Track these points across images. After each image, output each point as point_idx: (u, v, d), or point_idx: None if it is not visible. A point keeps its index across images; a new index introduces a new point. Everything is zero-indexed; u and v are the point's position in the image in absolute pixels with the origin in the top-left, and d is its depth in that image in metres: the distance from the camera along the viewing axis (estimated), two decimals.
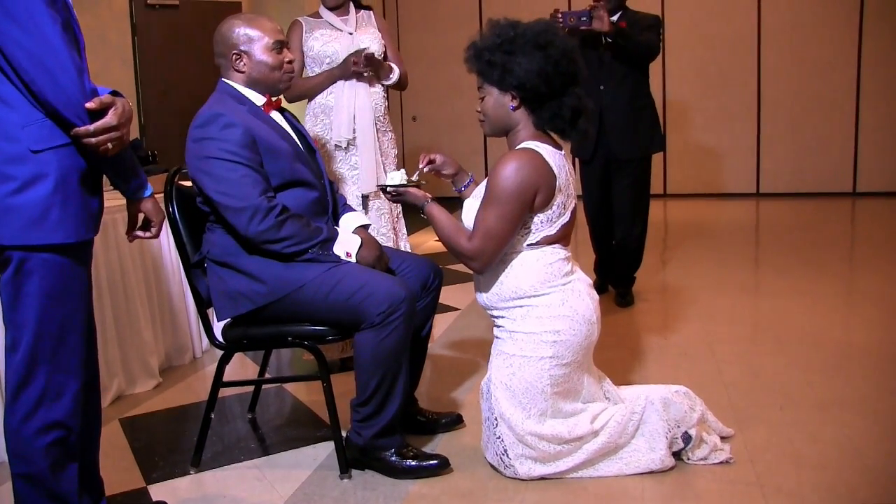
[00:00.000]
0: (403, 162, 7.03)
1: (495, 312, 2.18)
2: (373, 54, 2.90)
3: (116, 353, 2.87)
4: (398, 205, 2.93)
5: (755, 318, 3.68)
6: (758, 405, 2.55)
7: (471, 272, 2.20)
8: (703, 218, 6.54)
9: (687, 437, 2.12)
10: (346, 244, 2.19)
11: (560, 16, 3.46)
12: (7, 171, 1.51)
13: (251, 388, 2.79)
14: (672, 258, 5.03)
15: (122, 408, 2.80)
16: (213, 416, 2.31)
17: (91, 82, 1.55)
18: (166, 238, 3.08)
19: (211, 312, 2.29)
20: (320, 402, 2.43)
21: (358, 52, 2.88)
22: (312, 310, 2.13)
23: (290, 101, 2.91)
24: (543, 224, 2.10)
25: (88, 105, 1.51)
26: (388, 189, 2.23)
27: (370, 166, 2.96)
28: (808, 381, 2.75)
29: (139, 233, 1.84)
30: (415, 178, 2.24)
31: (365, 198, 3.00)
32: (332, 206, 2.33)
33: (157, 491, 2.17)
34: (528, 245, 2.11)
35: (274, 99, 2.28)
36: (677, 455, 2.14)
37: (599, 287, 3.97)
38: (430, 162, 2.32)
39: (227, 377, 2.32)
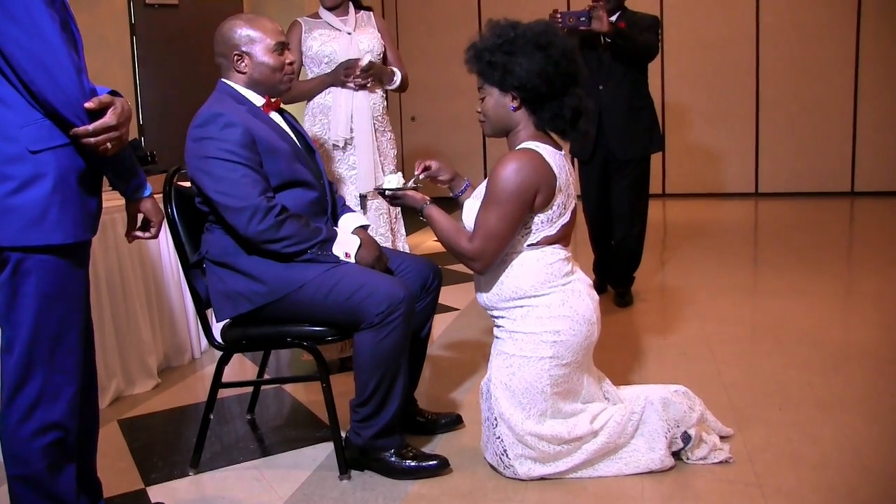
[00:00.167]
0: (402, 162, 7.03)
1: (495, 312, 2.18)
2: (370, 64, 2.88)
3: (115, 354, 2.86)
4: None
5: (754, 318, 3.68)
6: (757, 405, 2.55)
7: (470, 272, 2.20)
8: (702, 218, 6.54)
9: (686, 437, 2.13)
10: (346, 245, 2.19)
11: (559, 16, 3.46)
12: (5, 172, 1.51)
13: (250, 389, 2.78)
14: (671, 258, 5.04)
15: (121, 409, 2.80)
16: (211, 416, 2.31)
17: (90, 82, 1.55)
18: (165, 238, 3.08)
19: (210, 313, 2.29)
20: (319, 402, 2.43)
21: (349, 65, 2.86)
22: (312, 310, 2.13)
23: (285, 103, 2.91)
24: (544, 224, 2.10)
25: (88, 105, 1.51)
26: (386, 192, 2.23)
27: (368, 166, 2.95)
28: (807, 380, 2.76)
29: (138, 233, 1.83)
30: (411, 183, 2.25)
31: (363, 198, 3.00)
32: (331, 206, 2.33)
33: (155, 492, 2.17)
34: (529, 245, 2.11)
35: (273, 100, 2.27)
36: (677, 455, 2.14)
37: (598, 287, 3.97)
38: (426, 169, 2.33)
39: (226, 378, 2.32)
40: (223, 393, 2.69)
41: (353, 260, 2.18)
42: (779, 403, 2.56)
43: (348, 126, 2.94)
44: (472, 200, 2.17)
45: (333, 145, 2.96)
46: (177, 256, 2.36)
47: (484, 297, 2.19)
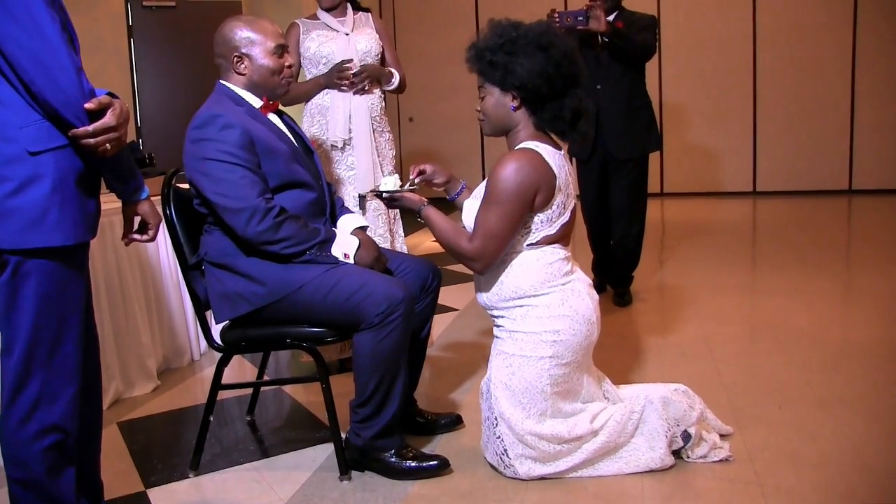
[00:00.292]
0: (400, 163, 7.02)
1: (495, 312, 2.18)
2: (363, 68, 2.88)
3: (114, 356, 2.86)
4: None
5: (753, 317, 3.68)
6: (756, 404, 2.55)
7: (469, 272, 2.20)
8: (701, 217, 6.55)
9: (686, 436, 2.13)
10: (345, 245, 2.19)
11: (557, 16, 3.46)
12: (4, 173, 1.50)
13: (250, 391, 2.78)
14: (670, 257, 5.04)
15: (120, 411, 2.80)
16: (211, 418, 2.30)
17: (89, 83, 1.55)
18: (164, 240, 3.08)
19: (209, 315, 2.28)
20: (319, 403, 2.43)
21: (341, 67, 2.85)
22: (311, 311, 2.12)
23: (282, 104, 2.91)
24: (543, 224, 2.10)
25: (87, 105, 1.51)
26: (383, 195, 2.23)
27: (367, 167, 2.95)
28: (806, 379, 2.76)
29: (136, 236, 1.82)
30: (407, 187, 2.25)
31: (362, 198, 2.99)
32: (329, 207, 2.33)
33: (155, 495, 2.16)
34: (528, 245, 2.11)
35: (271, 101, 2.27)
36: (677, 454, 2.14)
37: (598, 287, 3.97)
38: (421, 172, 2.33)
39: (225, 379, 2.32)
40: (223, 394, 2.68)
41: (352, 261, 2.18)
42: (778, 402, 2.56)
43: (347, 127, 2.94)
44: (472, 200, 2.17)
45: (332, 146, 2.96)
46: (175, 258, 2.36)
47: (484, 297, 2.19)
